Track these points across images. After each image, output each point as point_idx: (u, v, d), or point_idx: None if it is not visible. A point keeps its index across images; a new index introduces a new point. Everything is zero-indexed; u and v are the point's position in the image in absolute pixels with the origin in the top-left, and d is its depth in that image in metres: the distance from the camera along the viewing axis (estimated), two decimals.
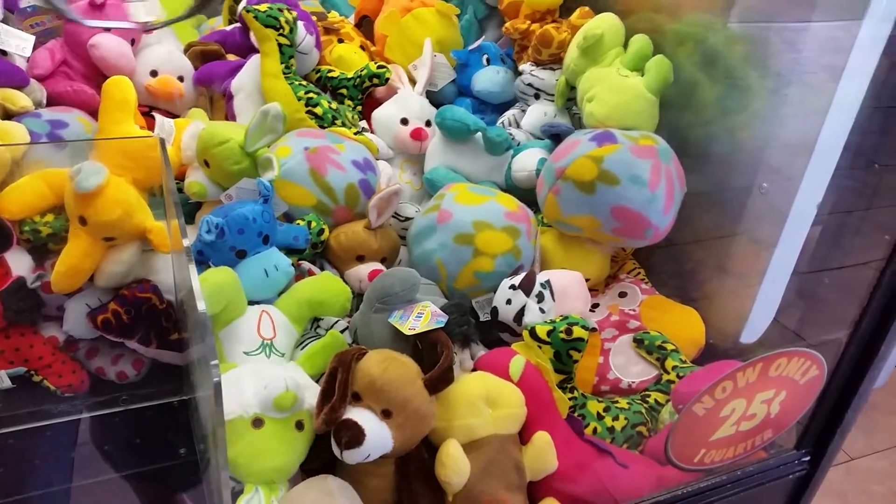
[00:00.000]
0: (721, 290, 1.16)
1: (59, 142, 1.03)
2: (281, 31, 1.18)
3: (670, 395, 0.96)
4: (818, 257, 1.09)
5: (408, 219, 1.18)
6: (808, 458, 1.00)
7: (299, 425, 0.80)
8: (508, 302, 0.96)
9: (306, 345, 0.93)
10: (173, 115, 1.23)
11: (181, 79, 1.25)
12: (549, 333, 0.90)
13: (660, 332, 1.04)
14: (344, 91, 1.29)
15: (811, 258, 1.07)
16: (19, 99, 1.06)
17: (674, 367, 1.00)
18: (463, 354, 0.92)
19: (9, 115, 1.04)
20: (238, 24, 1.31)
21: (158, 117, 1.12)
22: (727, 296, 1.15)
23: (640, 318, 1.08)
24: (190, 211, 1.12)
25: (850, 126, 0.97)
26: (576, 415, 0.92)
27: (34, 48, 1.13)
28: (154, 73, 1.22)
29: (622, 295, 1.13)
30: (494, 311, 0.98)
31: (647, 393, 1.00)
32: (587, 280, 1.03)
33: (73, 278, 0.91)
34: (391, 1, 1.42)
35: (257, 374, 0.81)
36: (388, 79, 1.29)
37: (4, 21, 1.11)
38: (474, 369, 0.90)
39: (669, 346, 1.02)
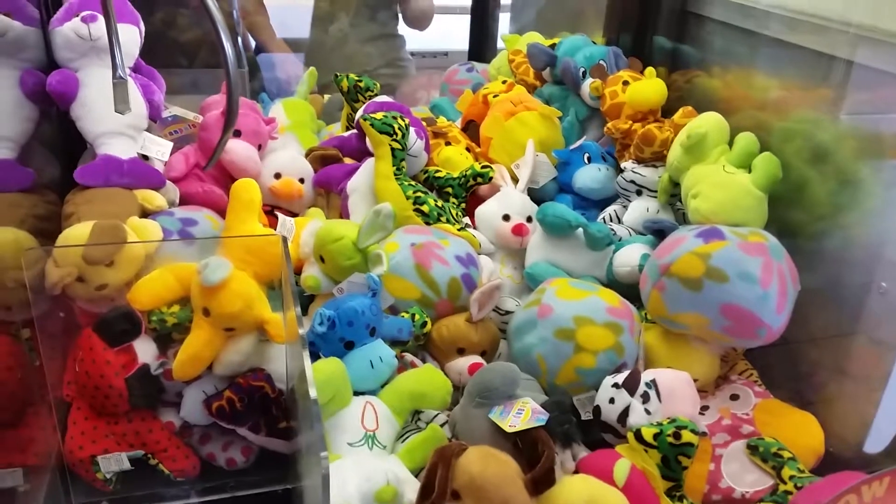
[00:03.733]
0: (841, 395, 1.09)
1: (189, 239, 1.11)
2: (394, 136, 1.25)
3: None
4: None
5: (508, 312, 1.19)
6: None
7: None
8: (612, 401, 0.94)
9: (407, 437, 0.93)
10: (293, 214, 1.31)
11: (302, 181, 1.34)
12: (655, 437, 0.87)
13: (775, 439, 0.99)
14: (449, 190, 1.35)
15: None
16: (155, 199, 1.16)
17: (791, 477, 0.94)
18: (564, 455, 0.90)
19: (146, 214, 1.14)
20: (355, 131, 1.40)
21: (281, 216, 1.20)
22: (847, 400, 1.08)
23: (753, 422, 1.03)
24: (303, 303, 1.17)
25: None
26: None
27: (171, 153, 1.25)
28: (278, 176, 1.32)
29: (734, 398, 1.08)
30: (597, 409, 0.96)
31: None
32: (695, 380, 0.99)
33: (194, 366, 0.96)
34: (496, 106, 1.48)
35: (359, 467, 0.82)
36: (491, 177, 1.34)
37: (148, 129, 1.24)
38: (576, 471, 0.88)
39: (786, 454, 0.96)
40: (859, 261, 1.08)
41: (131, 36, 1.20)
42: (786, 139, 1.16)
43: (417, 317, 1.09)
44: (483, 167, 1.34)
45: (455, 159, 1.41)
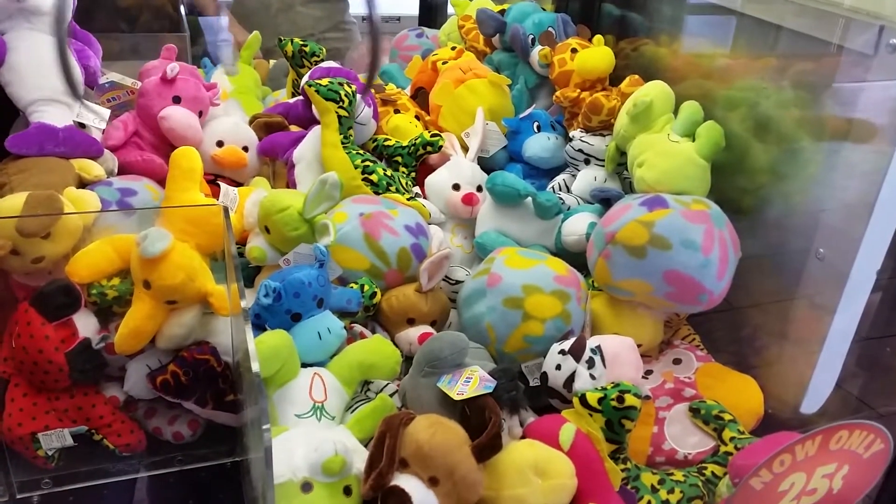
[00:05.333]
0: (780, 358, 1.13)
1: (128, 209, 1.08)
2: (341, 103, 1.22)
3: (728, 467, 0.93)
4: (881, 324, 1.05)
5: (458, 282, 1.19)
6: None
7: (347, 490, 0.80)
8: (558, 367, 0.95)
9: (356, 408, 0.93)
10: (238, 183, 1.28)
11: (246, 149, 1.30)
12: (600, 401, 0.89)
13: (717, 402, 1.01)
14: (399, 159, 1.33)
15: (873, 324, 1.03)
16: (93, 168, 1.12)
17: (732, 439, 0.97)
18: (511, 421, 0.91)
19: (83, 184, 1.11)
20: (301, 97, 1.37)
21: (223, 186, 1.17)
22: (786, 363, 1.12)
23: (695, 386, 1.06)
24: (250, 275, 1.16)
25: None
26: (629, 487, 0.89)
27: (109, 120, 1.21)
28: (220, 144, 1.28)
29: (677, 362, 1.10)
30: (544, 376, 0.98)
31: (703, 465, 0.97)
32: (639, 346, 1.01)
33: (136, 340, 0.94)
34: (445, 73, 1.47)
35: (307, 438, 0.82)
36: (441, 146, 1.33)
37: (84, 96, 1.19)
38: (523, 436, 0.89)
39: (727, 416, 0.99)
40: (799, 227, 1.11)
41: None
42: (730, 108, 1.18)
43: (367, 287, 1.08)
44: (433, 136, 1.33)
45: (404, 127, 1.40)
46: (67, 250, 0.97)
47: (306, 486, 0.78)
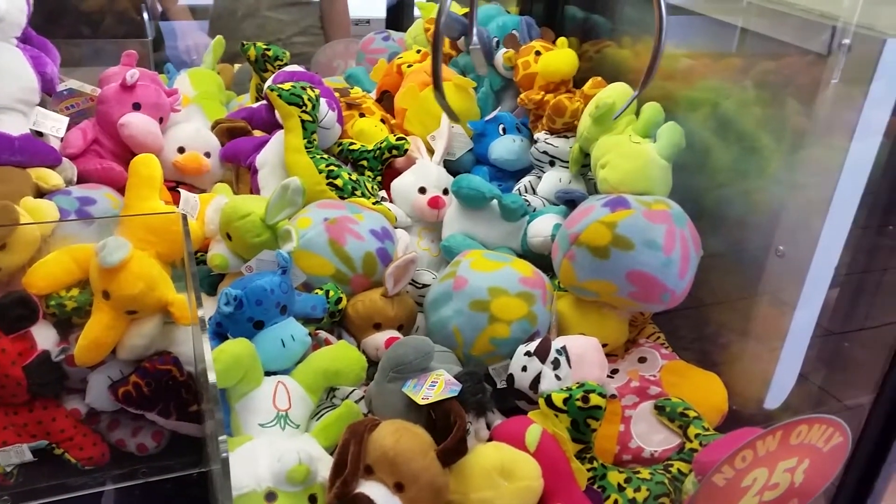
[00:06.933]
0: (743, 354, 1.14)
1: (86, 219, 1.06)
2: (304, 108, 1.22)
3: (692, 464, 0.94)
4: (840, 318, 1.07)
5: (425, 286, 1.19)
6: None
7: (312, 499, 0.79)
8: (524, 369, 0.96)
9: (322, 415, 0.93)
10: (200, 190, 1.27)
11: (208, 155, 1.29)
12: (565, 401, 0.89)
13: (681, 399, 1.02)
14: (364, 163, 1.33)
15: (833, 319, 1.05)
16: (51, 178, 1.10)
17: (696, 436, 0.98)
18: (478, 424, 0.91)
19: (41, 193, 1.09)
20: (264, 102, 1.36)
21: (183, 193, 1.16)
22: (749, 360, 1.13)
23: (660, 383, 1.06)
24: (213, 282, 1.14)
25: (864, 185, 0.97)
26: (595, 486, 0.90)
27: (68, 128, 1.19)
28: (181, 150, 1.27)
29: (642, 360, 1.11)
30: (510, 378, 0.98)
31: (669, 462, 0.97)
32: (605, 345, 1.02)
33: (97, 351, 0.93)
34: (410, 76, 1.47)
35: (271, 447, 0.81)
36: (406, 150, 1.33)
37: (42, 104, 1.17)
38: (490, 439, 0.89)
39: (692, 414, 1.00)
40: (759, 225, 1.13)
41: (17, 3, 1.13)
42: (691, 108, 1.19)
43: (332, 293, 1.08)
44: (398, 139, 1.33)
45: (369, 131, 1.39)
46: (24, 261, 0.95)
47: (270, 496, 0.77)
